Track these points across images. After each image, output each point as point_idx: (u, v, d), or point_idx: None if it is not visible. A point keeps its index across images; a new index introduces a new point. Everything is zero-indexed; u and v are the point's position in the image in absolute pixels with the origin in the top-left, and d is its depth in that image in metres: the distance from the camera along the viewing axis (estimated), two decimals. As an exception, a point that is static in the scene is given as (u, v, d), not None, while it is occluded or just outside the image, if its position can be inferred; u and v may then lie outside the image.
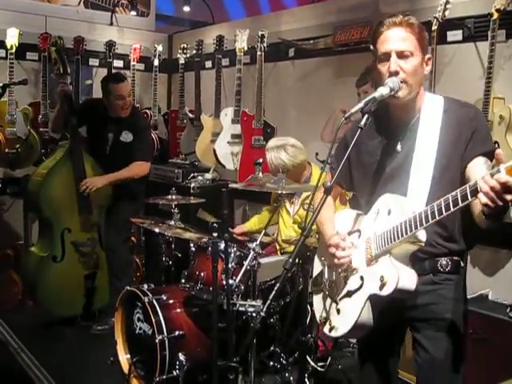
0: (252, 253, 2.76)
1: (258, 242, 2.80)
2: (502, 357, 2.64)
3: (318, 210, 1.70)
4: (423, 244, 1.71)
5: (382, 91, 1.76)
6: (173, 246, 3.60)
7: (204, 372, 2.90)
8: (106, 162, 3.96)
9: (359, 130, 1.74)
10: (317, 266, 2.15)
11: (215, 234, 2.50)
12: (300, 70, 4.35)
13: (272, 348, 3.04)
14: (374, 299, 1.81)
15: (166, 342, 2.81)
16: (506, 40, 3.05)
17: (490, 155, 1.75)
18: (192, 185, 4.37)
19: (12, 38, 4.43)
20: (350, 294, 1.90)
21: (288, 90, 4.46)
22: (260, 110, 4.28)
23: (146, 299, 2.93)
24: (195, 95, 4.88)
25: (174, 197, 3.52)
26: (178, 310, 3.02)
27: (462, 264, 1.91)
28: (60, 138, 4.61)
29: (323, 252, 2.09)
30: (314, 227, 2.00)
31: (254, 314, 2.70)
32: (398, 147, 1.89)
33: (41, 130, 4.66)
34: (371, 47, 1.88)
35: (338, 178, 1.84)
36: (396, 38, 1.79)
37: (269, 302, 1.67)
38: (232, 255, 2.81)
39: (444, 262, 1.86)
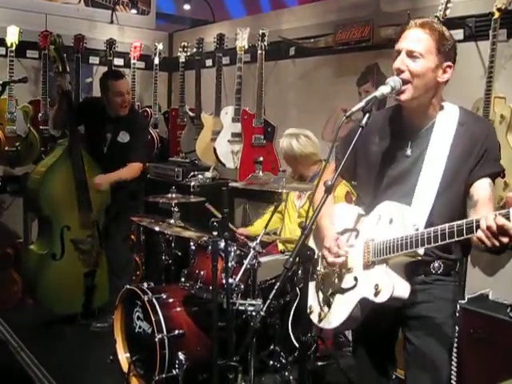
0: (252, 252, 2.75)
1: (258, 241, 2.79)
2: (502, 357, 2.64)
3: (318, 209, 1.69)
4: (420, 258, 1.76)
5: (383, 90, 1.75)
6: (173, 244, 3.61)
7: (204, 371, 2.90)
8: (103, 161, 3.96)
9: (360, 129, 1.71)
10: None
11: (215, 233, 2.49)
12: (300, 69, 4.34)
13: (272, 347, 3.03)
14: (364, 301, 1.85)
15: (166, 340, 2.81)
16: (508, 39, 3.05)
17: (497, 175, 1.84)
18: (192, 183, 4.36)
19: (12, 36, 4.42)
20: (342, 291, 1.93)
21: (288, 88, 4.45)
22: (260, 108, 4.27)
23: (146, 298, 2.92)
24: (195, 94, 4.87)
25: (174, 195, 3.52)
26: (178, 309, 3.02)
27: (457, 268, 1.94)
28: (60, 136, 4.61)
29: (318, 243, 2.10)
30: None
31: (253, 313, 2.70)
32: (408, 152, 1.89)
33: (41, 128, 4.66)
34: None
35: (342, 170, 1.79)
36: (412, 38, 1.79)
37: (269, 301, 1.67)
38: (232, 254, 2.80)
39: (436, 265, 1.89)
